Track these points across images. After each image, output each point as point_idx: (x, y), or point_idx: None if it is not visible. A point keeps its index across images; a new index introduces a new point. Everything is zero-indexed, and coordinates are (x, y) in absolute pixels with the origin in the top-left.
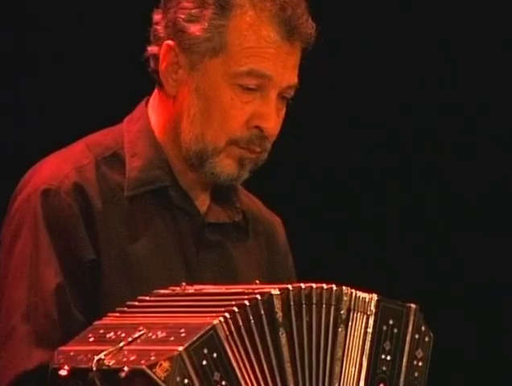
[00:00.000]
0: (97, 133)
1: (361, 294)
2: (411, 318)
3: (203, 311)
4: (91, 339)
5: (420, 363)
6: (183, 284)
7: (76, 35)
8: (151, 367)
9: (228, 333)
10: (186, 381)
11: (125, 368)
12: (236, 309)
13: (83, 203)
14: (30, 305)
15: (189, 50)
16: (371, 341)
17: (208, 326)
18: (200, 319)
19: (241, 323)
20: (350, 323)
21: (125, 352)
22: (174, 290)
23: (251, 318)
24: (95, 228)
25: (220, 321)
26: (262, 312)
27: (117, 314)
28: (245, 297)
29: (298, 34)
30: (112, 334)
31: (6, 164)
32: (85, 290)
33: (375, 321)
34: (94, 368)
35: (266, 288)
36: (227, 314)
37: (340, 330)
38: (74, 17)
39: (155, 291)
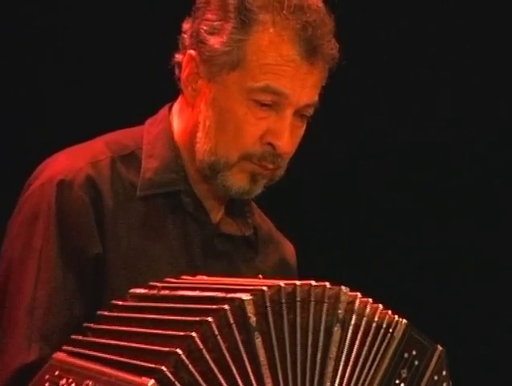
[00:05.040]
0: (117, 132)
1: (391, 315)
2: (435, 358)
3: (161, 336)
4: (46, 384)
5: None
6: (159, 285)
7: (103, 39)
8: None
9: (173, 380)
10: None
11: None
12: (194, 334)
13: (95, 197)
14: (34, 299)
15: (209, 61)
16: (389, 362)
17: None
18: (138, 376)
19: (202, 346)
20: (355, 327)
21: None
22: (149, 290)
23: (216, 333)
24: (104, 224)
25: (159, 375)
26: (232, 321)
27: (80, 338)
28: (214, 306)
29: (319, 54)
30: (64, 381)
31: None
32: (89, 285)
33: (399, 345)
34: None
35: (240, 291)
36: (178, 353)
37: (335, 329)
38: (97, 19)
39: (132, 290)
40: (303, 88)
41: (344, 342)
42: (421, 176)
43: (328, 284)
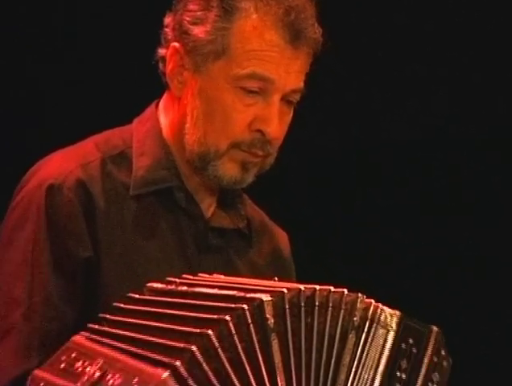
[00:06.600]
0: (105, 132)
1: (384, 308)
2: (432, 340)
3: (177, 332)
4: (62, 365)
5: None
6: (177, 281)
7: (91, 38)
8: None
9: (186, 376)
10: None
11: None
12: (211, 332)
13: (85, 199)
14: (31, 305)
15: (193, 52)
16: (388, 356)
17: (158, 380)
18: (157, 365)
19: (217, 345)
20: (367, 334)
21: None
22: (167, 285)
23: (233, 332)
24: (96, 226)
25: (172, 370)
26: (250, 321)
27: (96, 327)
28: (233, 305)
29: (303, 38)
30: (80, 363)
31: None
32: (80, 289)
33: (395, 337)
34: None
35: (259, 292)
36: (187, 356)
37: (350, 336)
38: (98, 19)
39: (149, 284)
40: (289, 72)
41: (357, 349)
42: (419, 172)
43: (345, 290)
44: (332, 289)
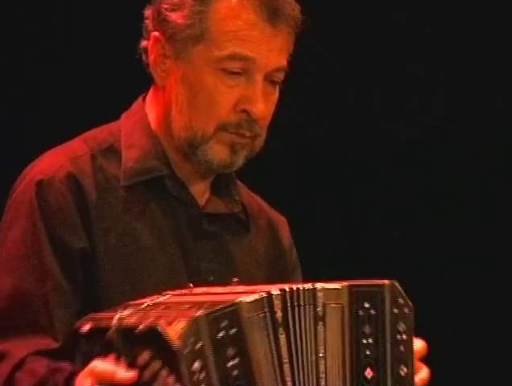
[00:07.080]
0: (94, 129)
1: (332, 286)
2: (386, 295)
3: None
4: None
5: (404, 337)
6: (191, 285)
7: (80, 34)
8: (166, 325)
9: (250, 315)
10: (199, 345)
11: (141, 326)
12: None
13: (77, 192)
14: (43, 295)
15: (173, 38)
16: (349, 329)
17: (233, 302)
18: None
19: (255, 314)
20: (327, 318)
21: (148, 314)
22: (183, 291)
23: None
24: (89, 217)
25: (245, 299)
26: (266, 310)
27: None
28: (250, 294)
29: (281, 15)
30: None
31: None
32: (79, 279)
33: (350, 308)
34: (114, 327)
35: (267, 288)
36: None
37: (319, 327)
38: (76, 16)
39: (164, 292)
40: (270, 51)
41: (325, 336)
42: (419, 172)
43: (310, 285)
44: (307, 286)
